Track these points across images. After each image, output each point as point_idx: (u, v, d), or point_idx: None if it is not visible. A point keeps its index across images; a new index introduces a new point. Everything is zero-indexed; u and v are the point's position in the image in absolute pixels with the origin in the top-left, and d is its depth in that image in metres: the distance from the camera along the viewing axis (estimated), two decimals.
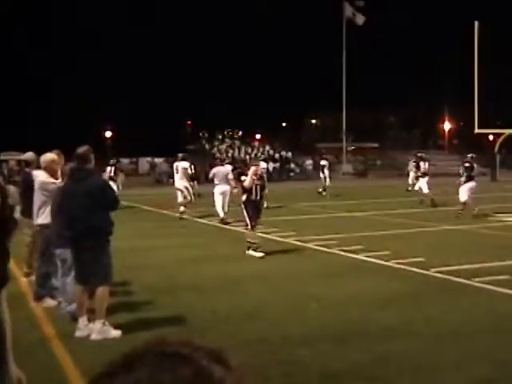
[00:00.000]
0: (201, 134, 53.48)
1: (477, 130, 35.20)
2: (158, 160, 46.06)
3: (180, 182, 17.62)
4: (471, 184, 16.46)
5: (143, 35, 63.01)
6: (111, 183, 21.65)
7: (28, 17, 64.27)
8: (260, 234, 13.45)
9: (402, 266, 9.58)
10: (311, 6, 61.19)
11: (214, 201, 16.36)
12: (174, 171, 18.11)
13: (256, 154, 47.32)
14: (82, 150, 6.34)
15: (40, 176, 7.53)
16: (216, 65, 66.98)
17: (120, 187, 22.50)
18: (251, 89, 62.38)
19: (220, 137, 52.36)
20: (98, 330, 6.14)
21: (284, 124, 66.48)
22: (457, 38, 42.03)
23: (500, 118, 35.37)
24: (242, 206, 11.21)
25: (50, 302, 7.43)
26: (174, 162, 19.45)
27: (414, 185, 27.09)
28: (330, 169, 26.77)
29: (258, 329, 6.40)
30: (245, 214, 11.15)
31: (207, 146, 49.50)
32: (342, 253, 11.05)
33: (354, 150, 50.87)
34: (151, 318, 6.81)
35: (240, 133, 54.02)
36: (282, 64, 64.61)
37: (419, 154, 22.41)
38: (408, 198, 22.59)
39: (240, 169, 20.73)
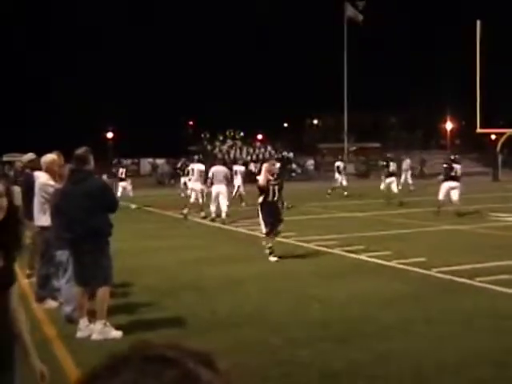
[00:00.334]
0: (202, 135, 53.52)
1: (479, 130, 35.16)
2: (159, 161, 46.10)
3: (195, 183, 17.82)
4: (448, 184, 16.92)
5: (143, 35, 63.06)
6: (123, 184, 22.11)
7: (28, 17, 64.35)
8: (260, 235, 13.47)
9: (404, 266, 9.58)
10: (312, 6, 61.23)
11: (210, 200, 16.77)
12: (190, 172, 18.33)
13: (258, 155, 47.39)
14: (80, 151, 6.33)
15: (41, 178, 7.54)
16: (217, 65, 67.00)
17: (131, 188, 22.86)
18: (252, 89, 62.41)
19: (221, 137, 52.39)
20: (98, 330, 6.15)
21: (285, 124, 66.51)
22: (458, 38, 42.00)
23: (502, 118, 35.34)
24: (258, 208, 10.84)
25: (51, 304, 7.45)
26: (177, 163, 19.83)
27: (413, 184, 27.13)
28: (345, 170, 26.55)
29: (258, 329, 6.40)
30: (260, 218, 10.76)
31: (209, 147, 49.53)
32: (344, 253, 11.05)
33: (356, 151, 50.87)
34: (152, 319, 6.82)
35: (241, 133, 54.04)
36: (283, 64, 64.65)
37: (389, 155, 23.91)
38: (409, 198, 22.57)
39: (231, 170, 20.88)
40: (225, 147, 49.55)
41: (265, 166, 10.83)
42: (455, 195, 16.83)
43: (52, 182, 7.21)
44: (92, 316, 6.30)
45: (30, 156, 9.29)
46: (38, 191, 7.51)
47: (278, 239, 11.17)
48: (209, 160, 38.23)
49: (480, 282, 8.31)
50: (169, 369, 0.64)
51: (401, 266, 9.60)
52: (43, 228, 7.33)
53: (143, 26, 65.86)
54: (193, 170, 18.01)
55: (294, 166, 46.58)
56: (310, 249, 11.64)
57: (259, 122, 55.54)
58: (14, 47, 59.01)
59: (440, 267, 9.28)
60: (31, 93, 60.03)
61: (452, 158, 17.89)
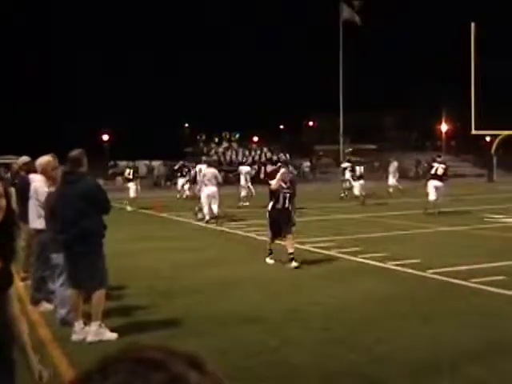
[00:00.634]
0: (198, 137, 53.52)
1: (474, 132, 35.27)
2: (155, 163, 46.07)
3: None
4: (432, 183, 17.44)
5: (141, 36, 63.08)
6: (130, 185, 22.30)
7: (28, 17, 64.28)
8: (256, 237, 13.47)
9: (399, 268, 9.59)
10: (309, 8, 61.38)
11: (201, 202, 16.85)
12: (197, 174, 18.61)
13: (253, 157, 47.39)
14: (74, 153, 6.32)
15: (36, 180, 7.52)
16: (213, 68, 67.05)
17: (139, 188, 23.08)
18: (248, 91, 62.53)
19: (217, 139, 52.41)
20: (93, 331, 6.13)
21: (281, 126, 66.58)
22: (453, 40, 42.16)
23: (497, 120, 35.45)
24: (267, 214, 10.49)
25: (46, 306, 7.42)
26: (174, 165, 20.06)
27: (400, 186, 27.14)
28: (352, 171, 26.36)
29: (255, 331, 6.40)
30: (267, 224, 10.50)
31: (205, 149, 49.51)
32: (340, 255, 11.05)
33: (352, 152, 50.92)
34: (148, 321, 6.80)
35: (237, 135, 54.07)
36: (279, 66, 64.77)
37: (356, 159, 25.55)
38: (404, 199, 22.61)
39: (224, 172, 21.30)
40: (221, 149, 49.54)
41: (282, 171, 10.42)
42: (437, 195, 17.37)
43: (46, 188, 7.17)
44: (87, 319, 6.28)
45: (25, 159, 9.28)
46: (32, 194, 7.49)
47: (277, 241, 11.11)
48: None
49: (475, 283, 8.33)
50: (157, 372, 0.64)
51: (397, 268, 9.61)
52: (38, 231, 7.31)
53: (141, 26, 65.93)
54: (200, 170, 18.31)
55: (290, 167, 46.53)
56: (307, 251, 11.63)
57: (255, 123, 55.64)
58: (14, 47, 58.98)
59: (436, 268, 9.30)
60: (26, 96, 59.97)
61: (435, 157, 18.55)
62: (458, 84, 39.37)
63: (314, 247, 11.89)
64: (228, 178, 36.22)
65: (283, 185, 10.22)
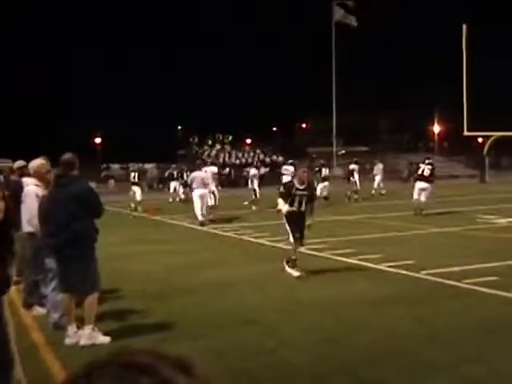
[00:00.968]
0: (191, 139, 53.49)
1: (466, 133, 35.41)
2: (148, 166, 46.03)
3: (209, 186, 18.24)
4: (418, 185, 17.79)
5: (136, 39, 63.01)
6: (135, 188, 22.32)
7: (28, 17, 64.08)
8: (250, 239, 13.46)
9: (393, 269, 9.60)
10: (302, 9, 61.52)
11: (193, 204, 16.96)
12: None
13: (247, 159, 47.39)
14: (67, 156, 6.30)
15: (29, 184, 7.48)
16: (205, 70, 67.03)
17: (146, 190, 23.12)
18: (241, 93, 62.59)
19: (210, 142, 52.40)
20: (87, 335, 6.10)
21: (274, 128, 66.65)
22: (447, 42, 42.34)
23: (489, 121, 35.64)
24: (284, 218, 9.66)
25: (39, 310, 7.39)
26: (167, 169, 20.30)
27: (384, 188, 27.16)
28: (359, 173, 26.20)
29: (251, 332, 6.39)
30: (286, 226, 9.53)
31: (198, 151, 49.49)
32: (334, 257, 11.06)
33: (345, 154, 51.00)
34: (141, 324, 6.78)
35: (230, 137, 54.09)
36: (272, 68, 64.84)
37: (322, 161, 25.25)
38: (396, 201, 22.66)
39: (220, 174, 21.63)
40: (214, 151, 49.52)
41: (299, 172, 9.91)
42: (423, 196, 17.62)
43: (40, 192, 7.13)
44: (80, 323, 6.25)
45: (21, 163, 9.28)
46: (25, 198, 7.44)
47: (268, 243, 11.12)
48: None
49: (469, 284, 8.34)
50: (144, 376, 0.64)
51: (390, 269, 9.62)
52: (31, 234, 7.27)
53: (137, 30, 65.89)
54: (206, 172, 18.48)
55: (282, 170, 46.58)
56: (300, 253, 11.61)
57: (248, 125, 55.68)
58: (14, 47, 58.78)
59: (429, 269, 9.31)
60: (19, 99, 59.80)
61: (424, 159, 18.72)
62: (451, 85, 39.57)
63: (308, 249, 11.87)
64: (235, 180, 36.31)
65: (298, 185, 9.37)
